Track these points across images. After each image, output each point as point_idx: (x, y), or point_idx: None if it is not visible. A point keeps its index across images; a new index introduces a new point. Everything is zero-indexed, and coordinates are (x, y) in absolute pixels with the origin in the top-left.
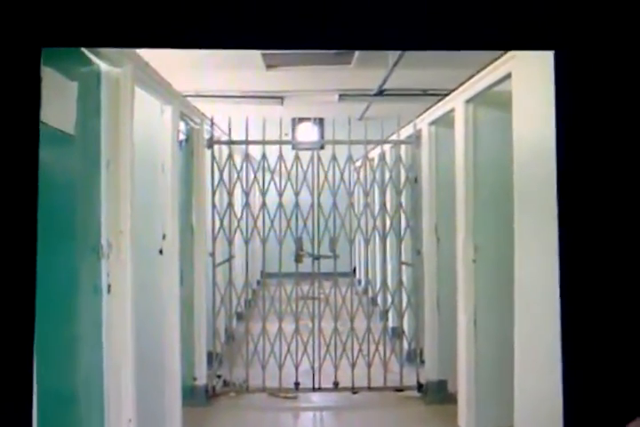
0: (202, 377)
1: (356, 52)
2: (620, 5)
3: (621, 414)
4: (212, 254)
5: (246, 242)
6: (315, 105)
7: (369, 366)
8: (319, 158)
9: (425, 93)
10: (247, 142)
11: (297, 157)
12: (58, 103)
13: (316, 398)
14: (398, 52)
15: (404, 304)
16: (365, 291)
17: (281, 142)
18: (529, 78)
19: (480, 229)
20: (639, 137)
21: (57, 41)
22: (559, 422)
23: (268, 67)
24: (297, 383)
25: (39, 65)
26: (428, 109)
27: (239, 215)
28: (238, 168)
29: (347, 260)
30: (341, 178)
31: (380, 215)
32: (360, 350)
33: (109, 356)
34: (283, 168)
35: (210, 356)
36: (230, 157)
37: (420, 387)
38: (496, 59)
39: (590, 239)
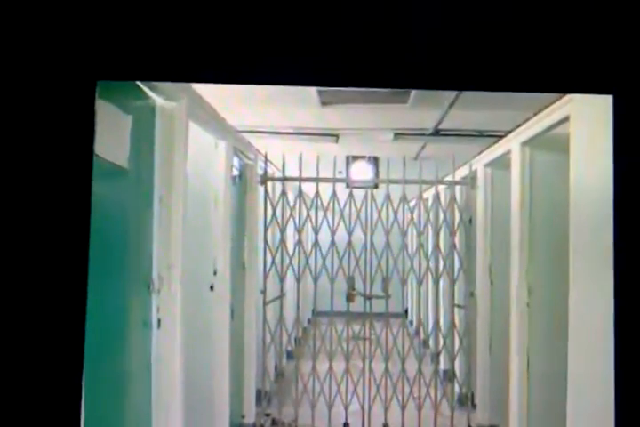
0: (250, 415)
1: (413, 91)
2: None
3: None
4: (264, 291)
5: (298, 280)
6: (370, 143)
7: (419, 409)
8: (373, 197)
9: (481, 135)
10: (300, 179)
11: (350, 196)
12: (112, 136)
13: None
14: (455, 92)
15: (456, 347)
16: (417, 332)
17: (335, 180)
18: (587, 122)
19: (534, 272)
20: None
21: (112, 74)
22: None
23: (324, 104)
24: (346, 424)
25: (94, 98)
26: (483, 151)
27: (291, 253)
28: (291, 205)
29: (399, 300)
30: (395, 217)
31: (433, 256)
32: (411, 393)
33: (158, 391)
34: (336, 206)
35: (259, 394)
36: (283, 193)
37: None
38: (554, 101)
39: None
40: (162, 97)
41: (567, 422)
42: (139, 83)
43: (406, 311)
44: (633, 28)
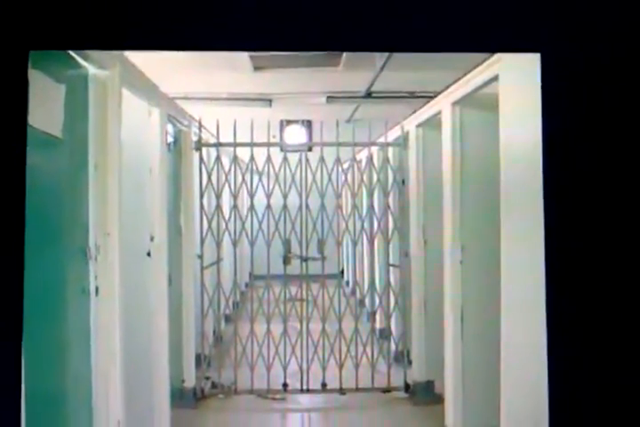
0: (190, 379)
1: (344, 54)
2: (605, 7)
3: (607, 414)
4: (201, 257)
5: (234, 244)
6: (303, 107)
7: (357, 367)
8: (307, 160)
9: (412, 96)
10: (235, 144)
11: (285, 160)
12: (45, 106)
13: (304, 399)
14: (386, 55)
15: (392, 306)
16: (353, 293)
17: (269, 144)
18: (515, 80)
19: (467, 231)
20: (625, 138)
21: (44, 44)
22: (545, 421)
23: (256, 68)
24: (285, 385)
25: (27, 68)
26: (415, 112)
27: (227, 218)
28: (226, 170)
29: (335, 262)
30: (329, 180)
31: (367, 217)
32: (348, 352)
33: (98, 358)
34: (271, 170)
35: (198, 358)
36: (218, 159)
37: (407, 388)
38: (483, 61)
39: (576, 240)
40: (94, 66)
41: (501, 375)
42: (71, 52)
43: (342, 272)
44: None
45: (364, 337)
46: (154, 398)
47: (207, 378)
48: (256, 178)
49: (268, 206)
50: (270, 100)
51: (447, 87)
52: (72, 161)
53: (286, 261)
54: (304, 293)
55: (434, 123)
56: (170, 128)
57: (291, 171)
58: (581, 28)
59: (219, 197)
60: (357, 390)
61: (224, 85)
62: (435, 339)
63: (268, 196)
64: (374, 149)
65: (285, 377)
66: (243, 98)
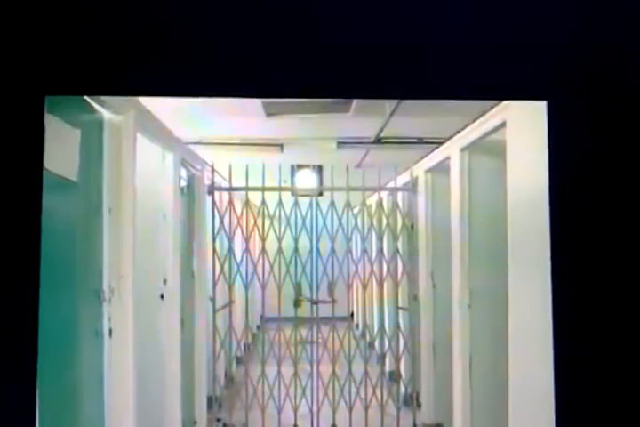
0: (202, 421)
1: (355, 101)
2: (612, 57)
3: None
4: (213, 299)
5: (246, 287)
6: (313, 152)
7: (366, 409)
8: (318, 205)
9: (421, 142)
10: (247, 189)
11: (296, 204)
12: (61, 150)
13: None
14: (395, 101)
15: (401, 348)
16: (363, 335)
17: (280, 189)
18: (523, 127)
19: (475, 275)
20: (631, 186)
21: (60, 89)
22: None
23: (268, 115)
24: (295, 426)
25: (43, 113)
26: (424, 157)
27: (239, 260)
28: (238, 214)
29: (345, 304)
30: (339, 224)
31: (377, 261)
32: (357, 394)
33: (110, 399)
34: (282, 214)
35: (210, 400)
36: (230, 203)
37: None
38: (491, 108)
39: (583, 285)
40: (109, 111)
41: (509, 418)
42: (86, 97)
43: (352, 315)
44: (565, 36)
45: (373, 379)
46: None
47: (219, 420)
48: (267, 221)
49: (280, 250)
50: (282, 145)
51: (456, 133)
52: (87, 204)
53: (297, 303)
54: (314, 335)
55: (443, 168)
56: (183, 172)
57: (302, 215)
58: (588, 76)
59: (231, 240)
60: None
61: (237, 131)
62: (444, 382)
63: (280, 239)
64: (384, 194)
65: (296, 419)
66: (255, 143)
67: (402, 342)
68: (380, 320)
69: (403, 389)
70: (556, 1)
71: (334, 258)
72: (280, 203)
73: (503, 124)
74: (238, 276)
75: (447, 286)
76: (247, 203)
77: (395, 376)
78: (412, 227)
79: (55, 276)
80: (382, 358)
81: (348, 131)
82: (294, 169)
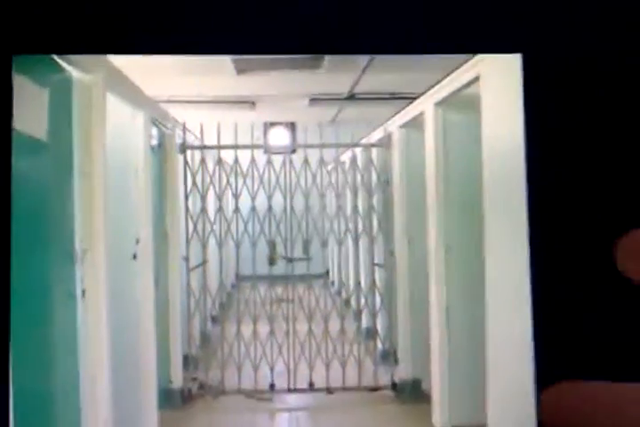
0: (177, 380)
1: (326, 57)
2: (587, 7)
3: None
4: (186, 259)
5: (220, 246)
6: (286, 109)
7: (343, 366)
8: (291, 162)
9: (395, 97)
10: (219, 147)
11: (269, 162)
12: (29, 110)
13: (291, 399)
14: (368, 57)
15: (378, 305)
16: (339, 292)
17: (253, 147)
18: (497, 81)
19: (451, 230)
20: (607, 138)
21: (28, 48)
22: (532, 419)
23: (239, 71)
24: (272, 385)
25: (10, 72)
26: (398, 113)
27: (212, 219)
28: (211, 173)
29: (320, 262)
30: (313, 181)
31: (352, 217)
32: (335, 351)
33: (85, 360)
34: (255, 172)
35: (185, 359)
36: (203, 161)
37: (394, 386)
38: (464, 62)
39: (559, 237)
40: (78, 70)
41: (486, 373)
42: (55, 56)
43: (327, 272)
44: None
45: (350, 336)
46: (141, 399)
47: (194, 379)
48: (240, 180)
49: (253, 208)
50: (254, 103)
51: (429, 88)
52: (57, 164)
53: (272, 261)
54: (290, 293)
55: (417, 124)
56: (154, 131)
57: (275, 172)
58: (563, 28)
59: (204, 199)
60: (344, 389)
61: (208, 88)
62: (421, 337)
63: (253, 197)
64: (358, 151)
65: (272, 377)
66: (226, 101)
67: (378, 298)
68: (355, 277)
69: (380, 345)
70: None
71: (309, 215)
72: (253, 161)
73: (477, 79)
74: (212, 235)
75: (423, 241)
76: (219, 161)
77: (371, 333)
78: (387, 183)
79: (26, 237)
80: (359, 314)
81: (321, 87)
82: (267, 126)
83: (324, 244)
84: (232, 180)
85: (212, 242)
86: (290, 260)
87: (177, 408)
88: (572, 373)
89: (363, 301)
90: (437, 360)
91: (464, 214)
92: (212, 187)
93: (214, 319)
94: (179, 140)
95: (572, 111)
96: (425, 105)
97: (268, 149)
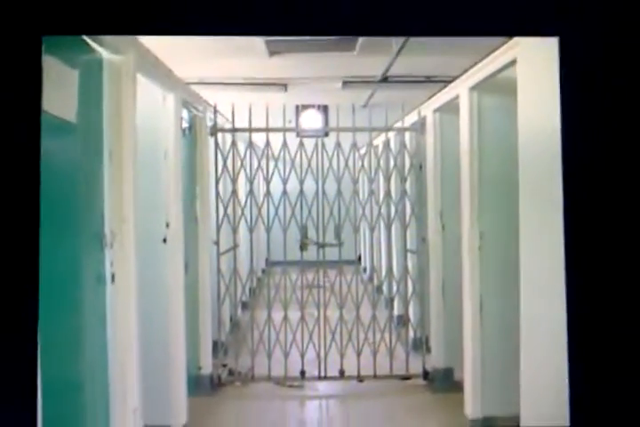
0: (207, 366)
1: (360, 39)
2: None
3: (628, 401)
4: (217, 243)
5: (251, 230)
6: (318, 92)
7: (375, 354)
8: (323, 146)
9: (429, 80)
10: (250, 130)
11: (301, 145)
12: (59, 92)
13: (321, 386)
14: (402, 39)
15: (410, 292)
16: (371, 279)
17: (285, 130)
18: (534, 65)
19: (485, 216)
20: None
21: (57, 29)
22: (565, 409)
23: (272, 53)
24: (303, 372)
25: (40, 53)
26: (432, 96)
27: (243, 203)
28: (242, 156)
29: (352, 248)
30: (346, 165)
31: (384, 203)
32: (366, 339)
33: (114, 345)
34: (287, 156)
35: (215, 345)
36: (234, 144)
37: (425, 375)
38: (501, 45)
39: (596, 226)
40: (108, 51)
41: (521, 362)
42: (85, 37)
43: (359, 258)
44: None
45: (381, 324)
46: (170, 385)
47: (224, 365)
48: (272, 164)
49: (285, 192)
50: (286, 85)
51: (465, 72)
52: (87, 146)
53: (303, 247)
54: (321, 279)
55: (451, 107)
56: (185, 113)
57: (307, 156)
58: (601, 12)
59: (234, 182)
60: (375, 377)
61: (239, 70)
62: (453, 326)
63: (285, 181)
64: (391, 134)
65: (303, 364)
66: (258, 83)
67: (410, 285)
68: (388, 263)
69: (412, 333)
70: None
71: (341, 200)
72: (285, 144)
73: (513, 62)
74: (242, 219)
75: (457, 227)
76: (251, 144)
77: (403, 320)
78: (421, 167)
79: (55, 220)
80: (391, 302)
81: (354, 70)
82: (299, 109)
83: (356, 229)
84: (263, 163)
85: (242, 226)
86: (321, 245)
87: (206, 395)
88: (607, 366)
89: (395, 288)
90: (470, 349)
91: (499, 201)
92: (242, 170)
93: (244, 305)
94: (209, 123)
95: (609, 95)
96: (460, 89)
97: (300, 132)
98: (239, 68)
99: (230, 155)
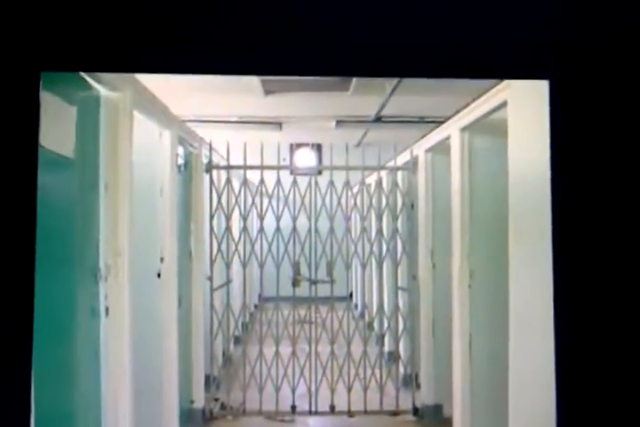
0: (199, 400)
1: (354, 79)
2: (614, 36)
3: None
4: (210, 278)
5: (244, 266)
6: (313, 131)
7: (365, 389)
8: (317, 184)
9: (422, 121)
10: (245, 167)
11: (295, 183)
12: (57, 127)
13: (312, 421)
14: (396, 80)
15: (400, 329)
16: (362, 315)
17: (279, 167)
18: (524, 107)
19: (475, 255)
20: (633, 167)
21: (56, 65)
22: None
23: (267, 93)
24: (294, 407)
25: (38, 89)
26: (424, 136)
27: (237, 240)
28: (236, 193)
29: (343, 284)
30: (338, 203)
31: (376, 240)
32: (356, 374)
33: (107, 378)
34: (280, 193)
35: (207, 379)
36: (228, 181)
37: (415, 411)
38: (492, 87)
39: (584, 266)
40: (106, 88)
41: (509, 400)
42: (82, 74)
43: (351, 295)
44: (567, 15)
45: (372, 360)
46: (163, 418)
47: (216, 399)
48: (266, 200)
49: (278, 229)
50: (280, 124)
51: (456, 112)
52: (83, 181)
53: (295, 283)
54: (313, 315)
55: (443, 148)
56: (180, 150)
57: (300, 194)
58: (591, 56)
59: (228, 219)
60: (366, 412)
61: (235, 109)
62: (443, 362)
63: (278, 218)
64: (383, 173)
65: (294, 399)
66: (254, 121)
67: (401, 322)
68: (379, 300)
69: (402, 369)
70: None
71: (333, 237)
72: (278, 181)
73: (504, 104)
74: (236, 255)
75: (447, 265)
76: (245, 181)
77: (394, 357)
78: (412, 206)
79: (51, 253)
80: (381, 338)
81: (348, 109)
82: (293, 148)
83: (348, 266)
84: (257, 200)
85: (236, 262)
86: (313, 282)
87: None
88: (594, 404)
89: (386, 324)
90: (459, 386)
91: (489, 240)
92: (237, 207)
93: (237, 340)
94: (205, 160)
95: (599, 138)
96: (451, 129)
97: (293, 170)
98: (235, 106)
99: (225, 191)
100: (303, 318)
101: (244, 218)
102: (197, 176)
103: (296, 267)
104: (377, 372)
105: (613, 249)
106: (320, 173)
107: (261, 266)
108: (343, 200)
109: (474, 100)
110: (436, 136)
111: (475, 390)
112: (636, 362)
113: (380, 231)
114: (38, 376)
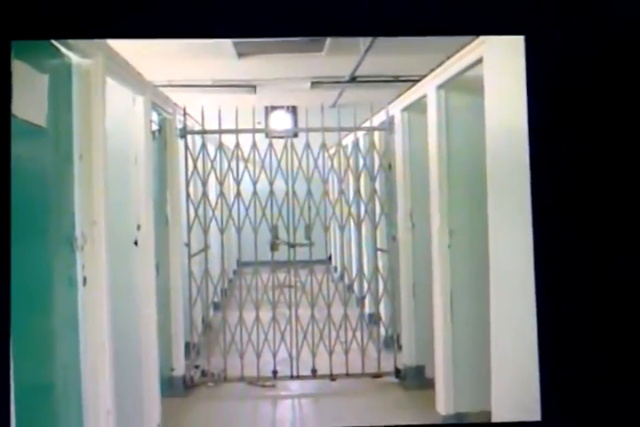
0: (180, 368)
1: (328, 40)
2: None
3: (598, 395)
4: (188, 245)
5: (221, 231)
6: (287, 93)
7: (346, 352)
8: (293, 146)
9: (397, 80)
10: (220, 131)
11: (270, 146)
12: (29, 96)
13: (294, 385)
14: (369, 39)
15: (381, 290)
16: (342, 278)
17: (254, 131)
18: (500, 63)
19: (455, 215)
20: (609, 121)
21: (26, 33)
22: (536, 404)
23: (240, 55)
24: (275, 372)
25: (9, 58)
26: (400, 96)
27: (214, 205)
28: (212, 158)
29: (322, 247)
30: (315, 166)
31: (354, 202)
32: (337, 337)
33: (86, 348)
34: (257, 157)
35: (187, 346)
36: (204, 146)
37: (397, 373)
38: (467, 44)
39: (564, 223)
40: (78, 54)
41: (491, 360)
42: (53, 41)
43: (330, 258)
44: None
45: (353, 323)
46: (143, 387)
47: (197, 366)
48: (242, 165)
49: (255, 193)
50: (255, 87)
51: (432, 71)
52: (57, 150)
53: (274, 247)
54: (292, 279)
55: (419, 107)
56: (154, 116)
57: (277, 157)
58: (566, 11)
59: (205, 184)
60: (347, 375)
61: (208, 72)
62: (424, 323)
63: (255, 182)
64: (360, 134)
65: (275, 364)
66: (227, 84)
67: (381, 283)
68: (358, 263)
69: (383, 331)
70: None
71: (311, 200)
72: (254, 145)
73: (480, 61)
74: (213, 220)
75: (426, 226)
76: (221, 146)
77: (375, 319)
78: (390, 167)
79: (26, 224)
80: (361, 300)
81: (322, 70)
82: (268, 110)
83: (327, 229)
84: (233, 164)
85: (213, 228)
86: (292, 245)
87: (179, 396)
88: (576, 361)
89: (365, 286)
90: (441, 346)
91: (468, 199)
92: (213, 172)
93: (216, 306)
94: (179, 125)
95: (575, 92)
96: (427, 88)
97: (269, 134)
98: (208, 70)
99: (200, 157)
100: (282, 283)
101: (221, 183)
102: (172, 142)
103: (274, 231)
104: (358, 334)
105: (592, 205)
106: (296, 135)
107: (239, 231)
108: (320, 162)
109: (449, 57)
110: (411, 95)
111: (456, 351)
112: (614, 317)
113: (357, 193)
114: (17, 347)
